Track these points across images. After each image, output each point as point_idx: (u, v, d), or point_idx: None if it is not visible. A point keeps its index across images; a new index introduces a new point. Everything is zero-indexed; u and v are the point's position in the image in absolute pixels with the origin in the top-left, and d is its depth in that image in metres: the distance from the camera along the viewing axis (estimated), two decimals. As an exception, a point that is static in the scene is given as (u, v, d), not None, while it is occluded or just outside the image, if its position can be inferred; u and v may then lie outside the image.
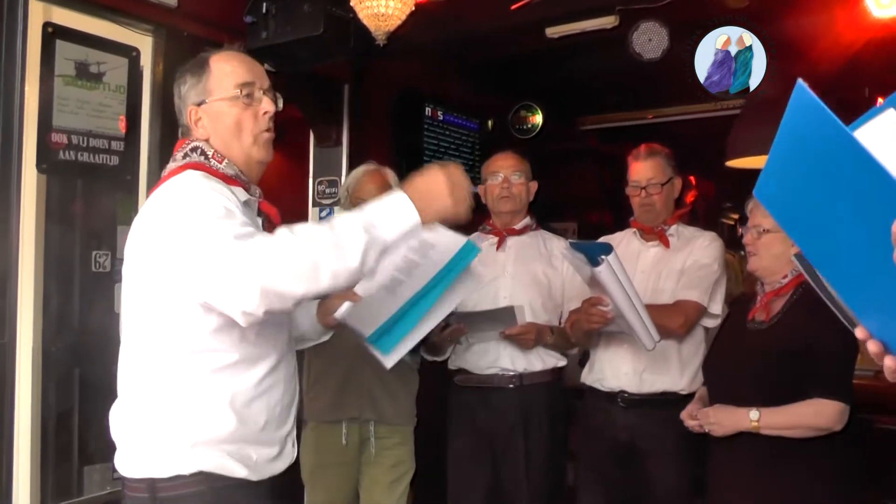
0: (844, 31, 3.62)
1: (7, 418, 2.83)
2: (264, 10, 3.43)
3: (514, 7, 3.43)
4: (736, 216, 8.86)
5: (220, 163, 1.89)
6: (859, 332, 0.99)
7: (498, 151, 3.43)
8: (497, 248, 3.29)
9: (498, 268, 3.24)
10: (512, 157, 3.35)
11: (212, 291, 1.64)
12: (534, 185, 3.34)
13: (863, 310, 0.97)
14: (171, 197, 1.78)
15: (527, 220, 3.35)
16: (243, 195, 1.89)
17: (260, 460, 1.85)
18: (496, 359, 3.17)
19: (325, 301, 2.31)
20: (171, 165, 1.90)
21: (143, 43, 3.44)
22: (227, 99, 1.91)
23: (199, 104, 1.92)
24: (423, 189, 1.72)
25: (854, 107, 0.92)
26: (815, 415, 2.36)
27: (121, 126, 3.32)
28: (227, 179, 1.87)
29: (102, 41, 3.26)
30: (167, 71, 3.42)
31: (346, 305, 2.29)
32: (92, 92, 3.21)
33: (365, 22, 3.11)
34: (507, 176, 3.28)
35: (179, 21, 3.46)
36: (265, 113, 1.94)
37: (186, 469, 1.76)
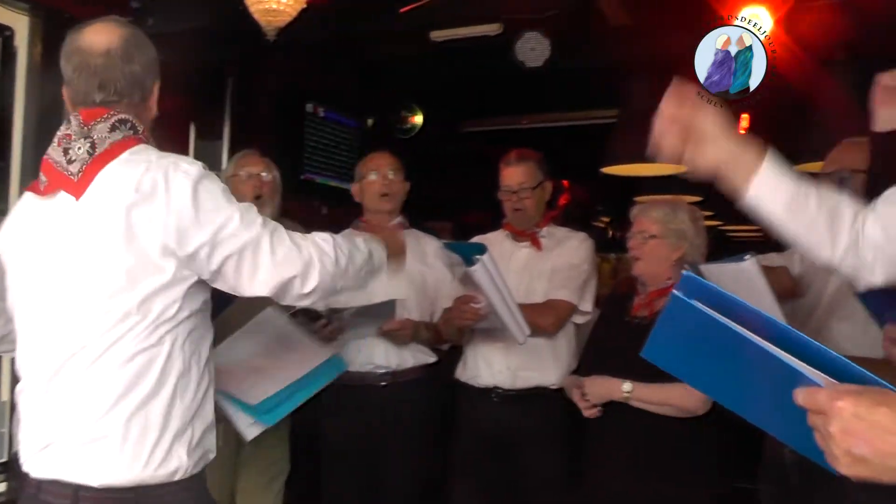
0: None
1: None
2: (152, -3, 3.38)
3: (402, 10, 3.51)
4: (607, 219, 9.22)
5: (148, 142, 1.78)
6: None
7: (376, 150, 3.46)
8: None
9: None
10: (390, 156, 3.37)
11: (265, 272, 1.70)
12: (407, 185, 3.37)
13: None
14: (169, 174, 1.64)
15: (400, 219, 3.36)
16: None
17: None
18: (371, 355, 3.18)
19: None
20: (111, 137, 1.70)
21: (19, 22, 3.29)
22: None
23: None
24: (386, 237, 2.15)
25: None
26: (684, 396, 2.46)
27: (-10, 110, 3.18)
28: None
29: (-27, 19, 3.12)
30: (46, 53, 3.29)
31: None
32: (-39, 72, 3.07)
33: (256, 17, 3.11)
34: (386, 174, 3.29)
35: (60, 2, 3.35)
36: None
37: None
